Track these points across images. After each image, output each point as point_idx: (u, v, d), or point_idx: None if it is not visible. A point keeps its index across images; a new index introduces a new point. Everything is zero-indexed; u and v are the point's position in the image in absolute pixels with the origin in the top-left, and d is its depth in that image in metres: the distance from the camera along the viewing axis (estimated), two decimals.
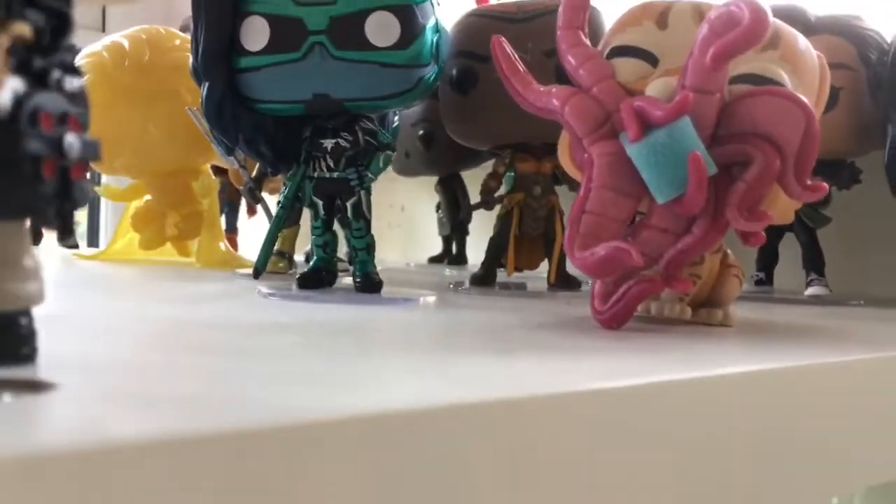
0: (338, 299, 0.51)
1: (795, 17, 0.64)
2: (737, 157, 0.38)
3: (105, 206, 1.30)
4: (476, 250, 0.99)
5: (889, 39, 0.63)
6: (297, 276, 0.54)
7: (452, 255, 1.01)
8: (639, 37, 0.42)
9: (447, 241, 1.03)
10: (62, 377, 0.24)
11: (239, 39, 0.50)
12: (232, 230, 0.95)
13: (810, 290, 0.65)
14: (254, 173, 0.70)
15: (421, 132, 0.87)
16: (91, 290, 0.50)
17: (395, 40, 0.49)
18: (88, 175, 0.26)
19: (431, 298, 0.52)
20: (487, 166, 0.86)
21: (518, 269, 0.64)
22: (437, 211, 1.02)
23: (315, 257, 0.55)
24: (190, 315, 0.42)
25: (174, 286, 0.60)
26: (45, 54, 0.25)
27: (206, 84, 0.51)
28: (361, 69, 0.49)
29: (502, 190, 0.66)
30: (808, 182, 0.38)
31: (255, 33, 0.49)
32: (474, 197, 1.00)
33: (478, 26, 0.61)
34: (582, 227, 0.39)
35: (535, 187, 0.63)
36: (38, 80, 0.24)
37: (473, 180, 0.98)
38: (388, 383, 0.26)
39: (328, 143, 0.53)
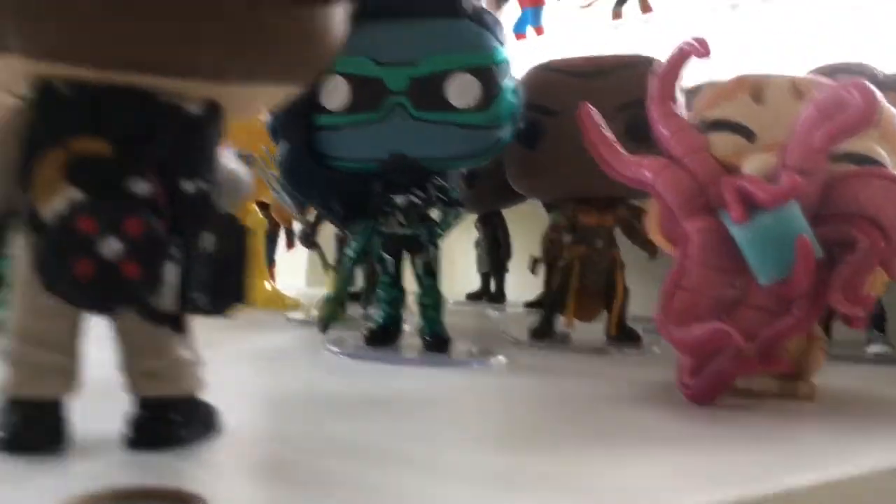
0: (409, 360, 0.51)
1: (863, 74, 0.64)
2: (839, 238, 0.38)
3: None
4: (514, 287, 0.99)
5: None
6: (366, 334, 0.54)
7: (491, 292, 1.00)
8: (734, 110, 0.42)
9: (486, 278, 1.02)
10: (207, 481, 0.23)
11: (318, 98, 0.49)
12: (270, 263, 0.95)
13: (872, 348, 0.64)
14: (309, 218, 0.69)
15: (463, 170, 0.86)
16: None
17: (476, 101, 0.49)
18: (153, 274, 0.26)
19: (502, 360, 0.52)
20: (531, 204, 0.86)
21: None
22: (476, 247, 1.02)
23: (382, 313, 0.54)
24: (276, 383, 0.42)
25: (235, 337, 0.60)
26: (123, 167, 0.26)
27: (284, 142, 0.51)
28: (440, 130, 0.49)
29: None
30: None
31: (336, 93, 0.49)
32: (515, 235, 1.00)
33: (546, 80, 0.60)
34: (677, 303, 0.39)
35: (597, 240, 0.62)
36: (109, 189, 0.26)
37: (511, 216, 0.98)
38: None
39: (400, 200, 0.52)
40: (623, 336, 0.62)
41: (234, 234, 0.29)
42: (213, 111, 0.27)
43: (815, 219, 0.38)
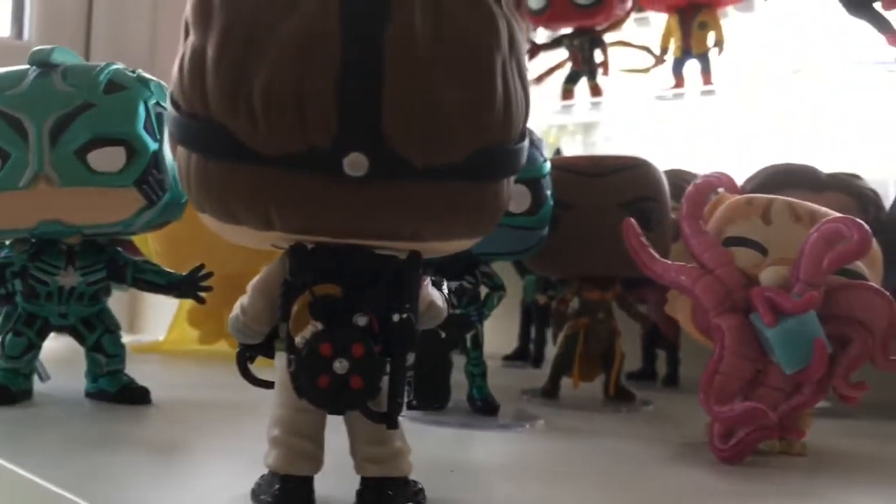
0: (460, 422, 0.59)
1: (808, 175, 0.77)
2: (839, 336, 0.49)
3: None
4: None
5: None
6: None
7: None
8: (749, 229, 0.53)
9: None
10: None
11: None
12: None
13: None
14: None
15: None
16: (219, 418, 0.58)
17: (527, 208, 0.59)
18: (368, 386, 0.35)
19: (541, 423, 0.61)
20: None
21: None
22: None
23: None
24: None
25: None
26: (350, 305, 0.35)
27: None
28: (498, 230, 0.58)
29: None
30: (892, 357, 0.49)
31: None
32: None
33: (561, 179, 0.70)
34: (716, 384, 0.50)
35: (598, 313, 0.73)
36: (340, 322, 0.35)
37: None
38: None
39: (452, 285, 0.62)
40: (621, 395, 0.73)
41: (432, 351, 0.38)
42: (416, 258, 0.36)
43: (819, 319, 0.49)
